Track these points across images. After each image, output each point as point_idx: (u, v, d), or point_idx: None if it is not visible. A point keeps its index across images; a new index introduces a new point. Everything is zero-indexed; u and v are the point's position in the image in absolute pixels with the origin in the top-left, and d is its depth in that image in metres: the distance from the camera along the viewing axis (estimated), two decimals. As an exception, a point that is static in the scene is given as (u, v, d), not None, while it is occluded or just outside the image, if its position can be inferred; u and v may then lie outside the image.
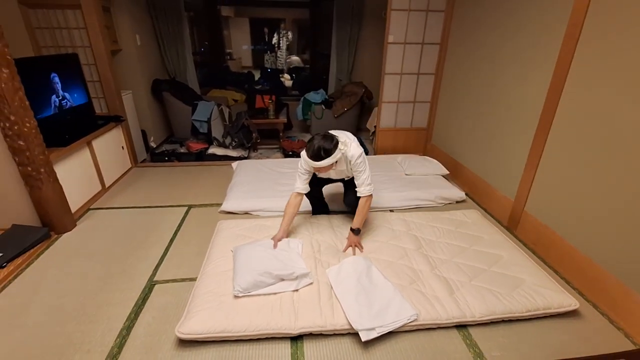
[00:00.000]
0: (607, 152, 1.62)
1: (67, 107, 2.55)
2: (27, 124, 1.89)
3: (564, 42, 1.83)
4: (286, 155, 3.83)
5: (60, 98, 2.48)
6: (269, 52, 8.54)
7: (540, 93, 2.01)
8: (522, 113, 2.20)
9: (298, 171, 1.91)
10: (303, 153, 1.79)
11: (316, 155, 1.70)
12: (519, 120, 2.23)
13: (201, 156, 3.67)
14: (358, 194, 1.88)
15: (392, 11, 3.10)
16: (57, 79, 2.44)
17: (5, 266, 1.82)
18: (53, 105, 2.40)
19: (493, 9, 2.47)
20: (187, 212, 2.46)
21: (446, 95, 3.28)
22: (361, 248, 1.93)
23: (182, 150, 3.82)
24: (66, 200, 2.19)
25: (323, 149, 1.68)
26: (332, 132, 1.82)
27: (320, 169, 1.79)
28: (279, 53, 8.59)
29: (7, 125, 1.82)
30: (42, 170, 1.99)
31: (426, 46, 3.28)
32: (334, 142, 1.71)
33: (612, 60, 1.58)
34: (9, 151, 1.92)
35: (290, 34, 8.04)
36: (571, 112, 1.82)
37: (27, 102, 1.90)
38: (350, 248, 1.92)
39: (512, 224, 2.29)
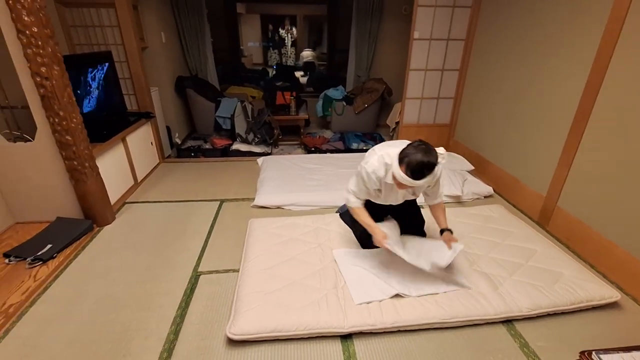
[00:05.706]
0: (649, 147, 1.63)
1: (104, 103, 2.62)
2: (74, 120, 1.95)
3: (604, 37, 1.83)
4: (309, 151, 3.87)
5: (98, 94, 2.54)
6: (281, 49, 8.54)
7: (577, 89, 2.01)
8: (556, 109, 2.20)
9: (353, 189, 1.61)
10: (374, 168, 1.48)
11: (419, 172, 1.34)
12: (552, 116, 2.24)
13: (226, 152, 3.73)
14: (435, 202, 1.71)
15: (419, 7, 3.10)
16: (95, 76, 2.51)
17: (55, 257, 1.89)
18: (92, 102, 2.47)
19: (525, 4, 2.47)
20: (220, 206, 2.52)
21: (471, 91, 3.28)
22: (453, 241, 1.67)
23: (207, 146, 3.88)
24: (107, 194, 2.26)
25: (429, 164, 1.34)
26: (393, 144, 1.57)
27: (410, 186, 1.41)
28: (291, 50, 8.59)
29: (57, 120, 1.89)
30: (87, 164, 2.06)
31: (451, 42, 3.28)
32: (435, 155, 1.37)
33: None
34: (57, 146, 1.98)
35: (302, 31, 8.05)
36: (610, 108, 1.82)
37: (74, 98, 1.96)
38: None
39: (544, 219, 2.30)
